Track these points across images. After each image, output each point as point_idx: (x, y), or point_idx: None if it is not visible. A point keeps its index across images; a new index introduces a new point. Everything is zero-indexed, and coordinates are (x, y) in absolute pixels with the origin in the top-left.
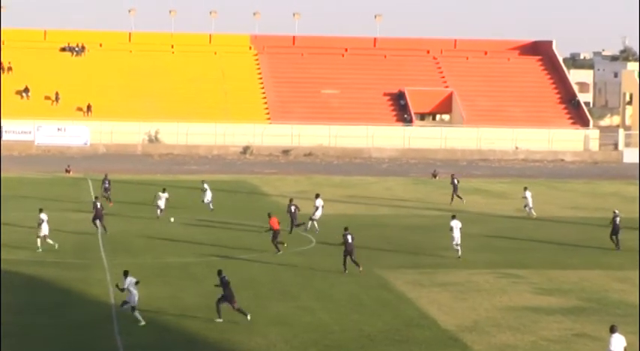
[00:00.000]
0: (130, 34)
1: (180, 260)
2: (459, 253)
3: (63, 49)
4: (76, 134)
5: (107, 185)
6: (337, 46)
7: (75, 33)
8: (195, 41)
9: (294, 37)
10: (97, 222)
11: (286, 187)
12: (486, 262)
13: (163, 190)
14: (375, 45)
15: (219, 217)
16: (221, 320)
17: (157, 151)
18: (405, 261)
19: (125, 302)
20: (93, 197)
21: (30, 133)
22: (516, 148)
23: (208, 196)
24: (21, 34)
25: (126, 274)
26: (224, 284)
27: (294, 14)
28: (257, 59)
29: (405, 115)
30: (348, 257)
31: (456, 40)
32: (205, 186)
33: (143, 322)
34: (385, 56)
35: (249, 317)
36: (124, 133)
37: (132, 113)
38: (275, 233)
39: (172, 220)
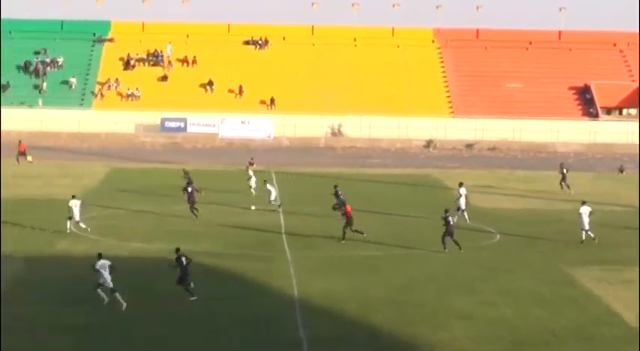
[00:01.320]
0: (312, 27)
1: (364, 253)
2: (593, 237)
3: (246, 43)
4: (260, 127)
5: (188, 179)
6: (521, 39)
7: (258, 27)
8: (377, 34)
9: (477, 30)
10: (191, 206)
11: (469, 182)
12: None
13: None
14: (559, 38)
15: (402, 211)
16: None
17: (339, 145)
18: (590, 257)
19: (99, 285)
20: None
21: (214, 126)
22: None
23: (253, 181)
24: (205, 28)
25: (99, 256)
26: (179, 263)
27: (477, 7)
28: (440, 53)
29: (591, 110)
30: (449, 238)
31: None
32: (250, 172)
33: (124, 304)
34: (570, 49)
35: (192, 298)
36: (308, 126)
37: (315, 106)
38: (349, 220)
39: (253, 208)
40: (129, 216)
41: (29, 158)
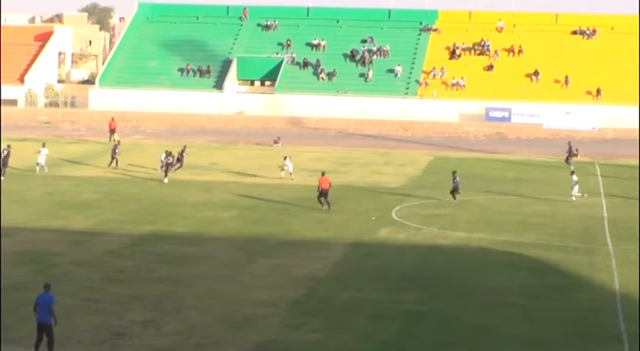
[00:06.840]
0: None
1: None
2: None
3: (573, 33)
4: (584, 118)
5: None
6: None
7: (586, 16)
8: None
9: None
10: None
11: None
12: None
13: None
14: None
15: None
16: None
17: None
18: None
19: None
20: None
21: (539, 116)
22: None
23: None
24: (532, 18)
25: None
26: None
27: None
28: None
29: None
30: None
31: None
32: None
33: None
34: None
35: None
36: (633, 118)
37: None
38: (322, 192)
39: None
40: (452, 205)
41: (116, 137)
